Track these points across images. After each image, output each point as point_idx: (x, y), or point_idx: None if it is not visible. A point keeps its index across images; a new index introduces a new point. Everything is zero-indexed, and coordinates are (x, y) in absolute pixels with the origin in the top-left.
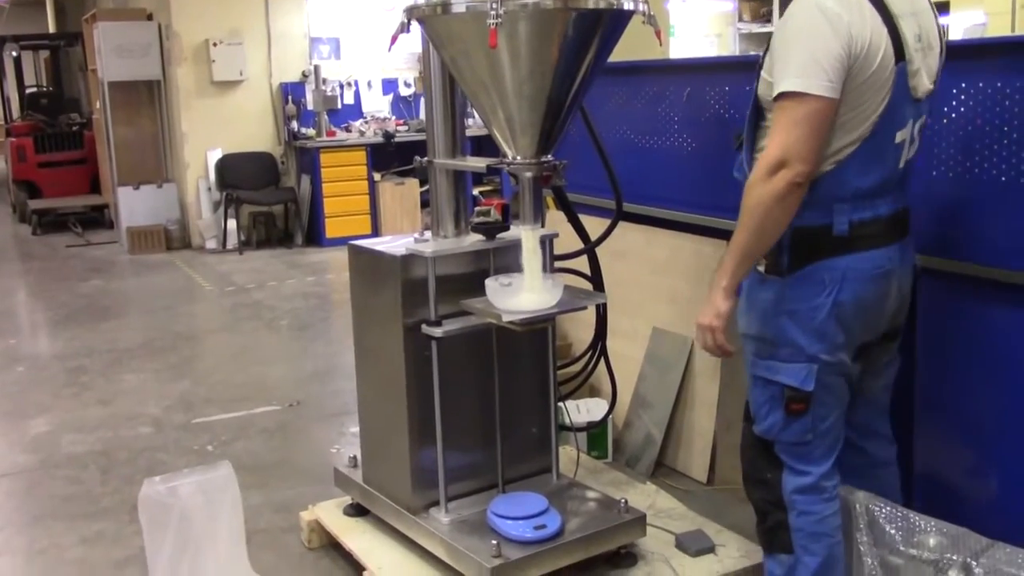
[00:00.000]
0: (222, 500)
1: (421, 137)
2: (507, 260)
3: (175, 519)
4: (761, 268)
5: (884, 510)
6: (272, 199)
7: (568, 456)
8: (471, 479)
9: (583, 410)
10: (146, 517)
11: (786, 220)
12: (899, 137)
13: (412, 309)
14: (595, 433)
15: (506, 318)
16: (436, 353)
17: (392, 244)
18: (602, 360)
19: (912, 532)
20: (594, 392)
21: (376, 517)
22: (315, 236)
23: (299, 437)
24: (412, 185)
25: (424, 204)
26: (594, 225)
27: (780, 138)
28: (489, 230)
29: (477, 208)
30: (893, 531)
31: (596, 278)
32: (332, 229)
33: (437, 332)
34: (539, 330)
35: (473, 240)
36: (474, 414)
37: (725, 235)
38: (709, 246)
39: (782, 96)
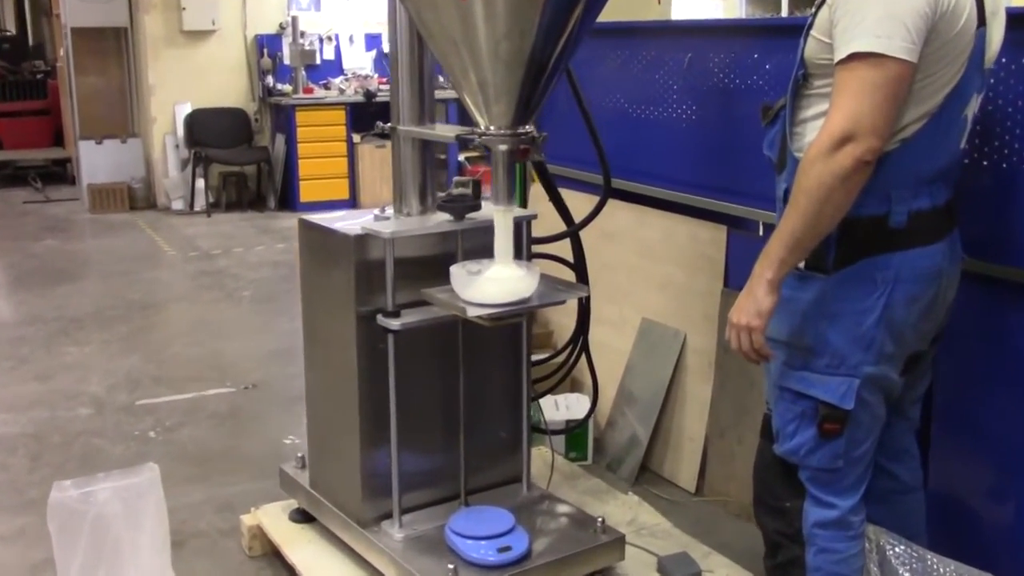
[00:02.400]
0: (143, 508)
1: None
2: (478, 243)
3: (88, 528)
4: (800, 264)
5: (898, 549)
6: (244, 159)
7: (543, 459)
8: (429, 488)
9: (562, 407)
10: (56, 524)
11: (848, 204)
12: (965, 113)
13: (367, 296)
14: (575, 432)
15: (471, 312)
16: (392, 347)
17: (348, 221)
18: (583, 356)
19: None
20: (575, 386)
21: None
22: (289, 200)
23: (252, 424)
24: None
25: None
26: (580, 203)
27: (848, 107)
28: (458, 209)
29: (457, 178)
30: (907, 575)
31: (579, 265)
32: (307, 193)
33: (394, 324)
34: (511, 325)
35: (439, 220)
36: (435, 415)
37: (725, 219)
38: (707, 230)
39: (853, 58)
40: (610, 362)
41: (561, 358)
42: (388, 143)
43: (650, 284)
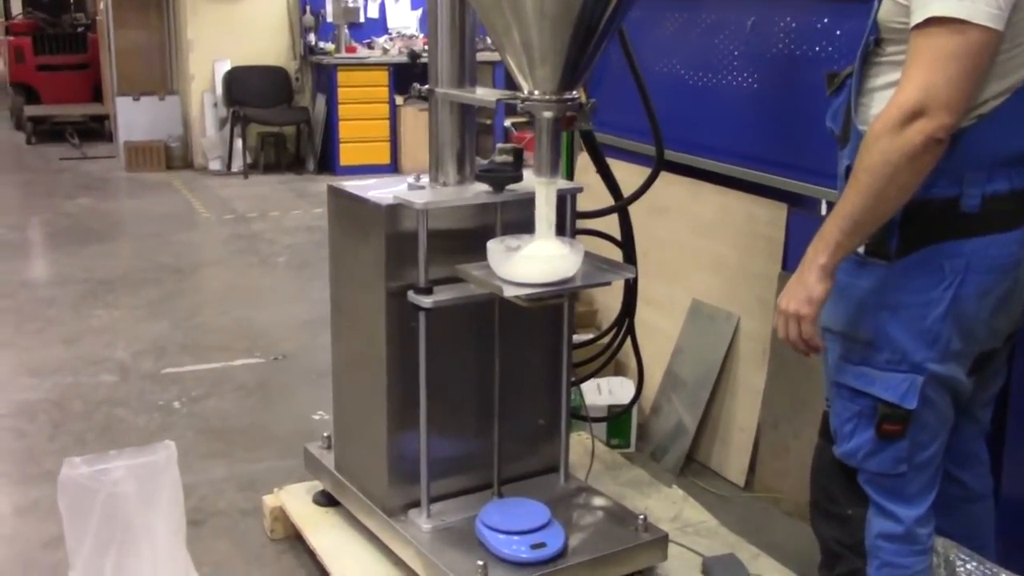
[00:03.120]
0: (159, 488)
1: None
2: (518, 217)
3: (99, 507)
4: (860, 248)
5: (969, 565)
6: (283, 119)
7: (583, 446)
8: (461, 476)
9: (604, 391)
10: (66, 503)
11: (915, 185)
12: None
13: (398, 271)
14: (618, 419)
15: (509, 292)
16: (424, 325)
17: (380, 190)
18: (628, 340)
19: None
20: (619, 369)
21: None
22: (328, 163)
23: (280, 398)
24: None
25: None
26: (629, 175)
27: (922, 78)
28: (497, 179)
29: (500, 145)
30: None
31: (627, 243)
32: (347, 156)
33: (426, 302)
34: (551, 306)
35: (477, 191)
36: (468, 398)
37: (784, 196)
38: (764, 208)
39: (931, 23)
40: (657, 345)
41: (605, 340)
42: None
43: (702, 264)
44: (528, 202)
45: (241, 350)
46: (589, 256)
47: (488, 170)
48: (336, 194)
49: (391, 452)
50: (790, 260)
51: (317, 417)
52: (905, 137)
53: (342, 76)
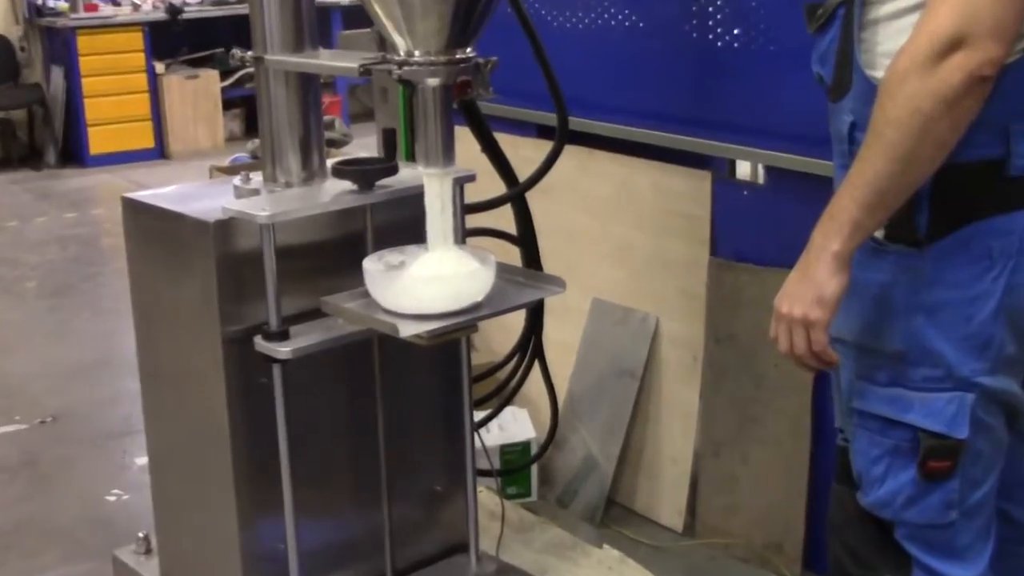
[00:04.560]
0: None
1: (220, 11)
2: (393, 222)
3: None
4: (879, 232)
5: None
6: (9, 101)
7: (480, 504)
8: (342, 571)
9: (493, 427)
10: None
11: (954, 140)
12: None
13: (237, 310)
14: (509, 460)
15: (407, 330)
16: (279, 381)
17: (198, 200)
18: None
19: None
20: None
21: None
22: (74, 153)
23: (57, 476)
24: (209, 79)
25: (229, 105)
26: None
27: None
28: (364, 174)
29: (329, 118)
30: None
31: (527, 240)
32: (98, 142)
33: (282, 351)
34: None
35: (335, 191)
36: (344, 468)
37: (706, 163)
38: (679, 178)
39: None
40: (552, 360)
41: (506, 369)
42: (201, 72)
43: (601, 254)
44: (407, 200)
45: None
46: (498, 267)
47: (345, 164)
48: (135, 210)
49: (245, 551)
50: (721, 242)
51: (112, 498)
52: (940, 76)
53: (83, 42)
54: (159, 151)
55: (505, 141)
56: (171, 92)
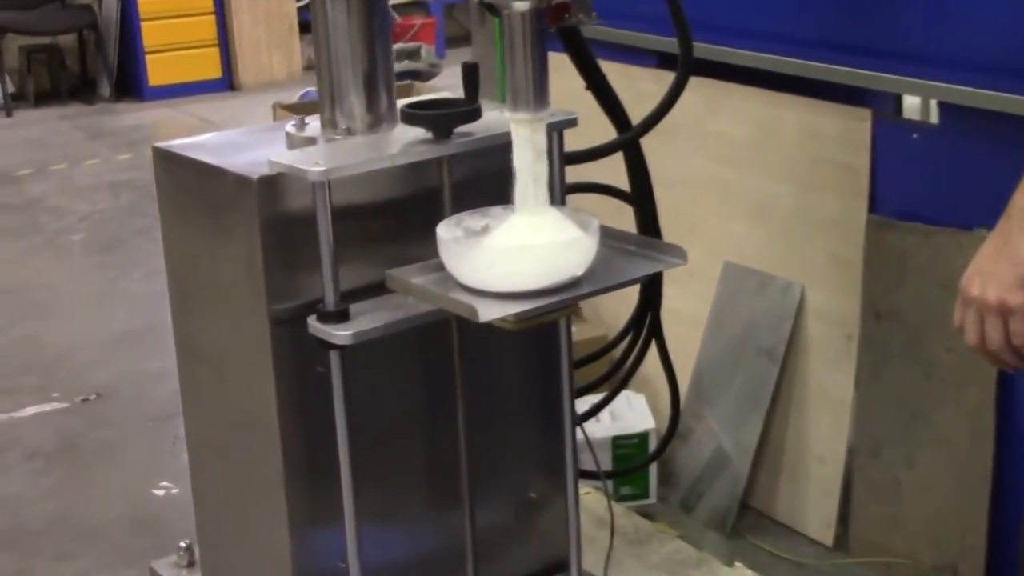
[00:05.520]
0: None
1: None
2: (475, 178)
3: None
4: None
5: None
6: (56, 25)
7: (587, 510)
8: None
9: (604, 416)
10: None
11: None
12: None
13: (287, 284)
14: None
15: (487, 314)
16: (339, 369)
17: (241, 151)
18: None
19: None
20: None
21: None
22: (131, 84)
23: (97, 465)
24: None
25: (307, 28)
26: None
27: None
28: (439, 120)
29: (398, 46)
30: None
31: (642, 199)
32: (157, 72)
33: (341, 335)
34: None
35: (406, 140)
36: (417, 470)
37: (856, 98)
38: (833, 118)
39: None
40: (675, 336)
41: (619, 350)
42: None
43: (735, 210)
44: (492, 152)
45: (28, 391)
46: (604, 232)
47: (417, 107)
48: (168, 163)
49: (298, 566)
50: (882, 198)
51: (160, 492)
52: None
53: None
54: (227, 82)
55: (616, 73)
56: (240, 13)
